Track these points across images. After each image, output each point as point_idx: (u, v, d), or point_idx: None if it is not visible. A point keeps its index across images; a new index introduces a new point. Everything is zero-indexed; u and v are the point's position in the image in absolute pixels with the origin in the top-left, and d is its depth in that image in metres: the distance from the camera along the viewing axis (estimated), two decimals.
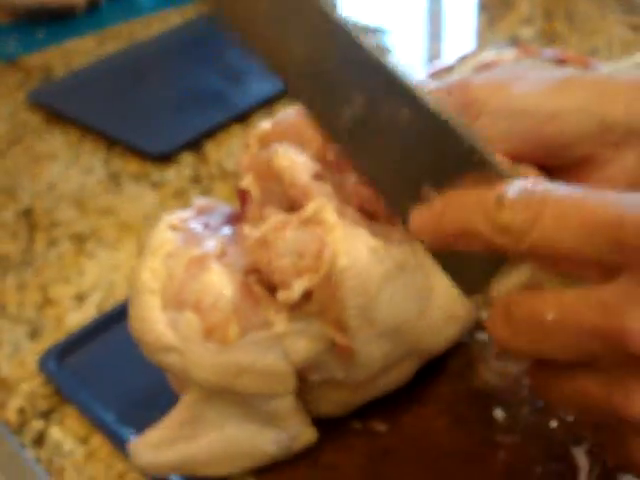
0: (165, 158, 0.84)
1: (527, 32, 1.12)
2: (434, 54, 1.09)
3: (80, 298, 0.65)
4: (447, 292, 0.40)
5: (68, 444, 0.52)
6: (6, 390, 0.57)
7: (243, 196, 0.41)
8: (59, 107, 0.97)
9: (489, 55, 0.97)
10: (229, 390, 0.38)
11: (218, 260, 0.38)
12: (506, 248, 0.29)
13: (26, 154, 0.90)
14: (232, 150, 0.86)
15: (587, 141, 0.38)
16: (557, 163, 0.39)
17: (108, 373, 0.57)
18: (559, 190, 0.28)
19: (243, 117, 0.92)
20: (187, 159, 0.85)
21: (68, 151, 0.89)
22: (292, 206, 0.39)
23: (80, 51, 1.19)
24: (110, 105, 0.98)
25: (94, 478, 0.50)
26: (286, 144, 0.41)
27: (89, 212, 0.77)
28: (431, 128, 0.32)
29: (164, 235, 0.40)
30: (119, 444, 0.50)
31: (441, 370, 0.49)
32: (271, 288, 0.37)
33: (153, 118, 0.94)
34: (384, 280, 0.36)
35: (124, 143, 0.88)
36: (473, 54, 0.98)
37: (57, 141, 0.92)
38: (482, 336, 0.52)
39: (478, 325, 0.47)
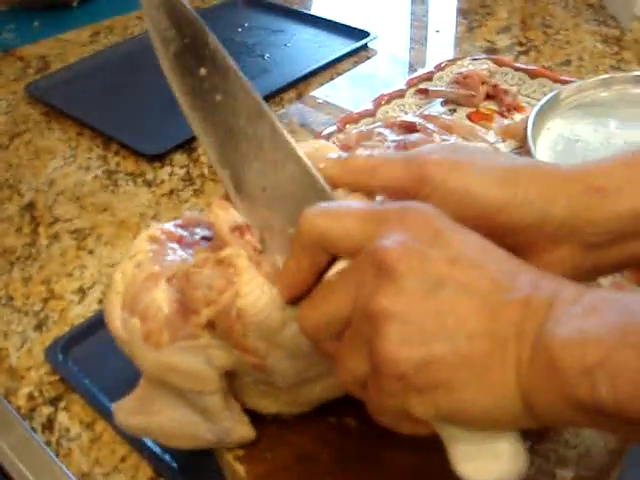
0: (158, 158, 0.90)
1: (504, 40, 1.17)
2: (416, 60, 1.15)
3: (82, 292, 0.71)
4: None
5: (75, 429, 0.58)
6: (16, 378, 0.63)
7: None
8: (56, 102, 1.02)
9: (464, 64, 1.03)
10: (166, 382, 0.45)
11: (167, 281, 0.46)
12: None
13: (27, 148, 0.95)
14: None
15: (529, 231, 0.41)
16: (503, 246, 0.39)
17: (110, 363, 0.62)
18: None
19: None
20: (179, 159, 0.90)
21: (66, 147, 0.94)
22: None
23: (75, 43, 1.23)
24: (104, 101, 1.03)
25: (99, 460, 0.56)
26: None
27: (88, 209, 0.83)
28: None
29: (142, 244, 0.48)
30: (120, 429, 0.56)
31: None
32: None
33: (146, 118, 0.99)
34: (283, 322, 0.42)
35: (119, 142, 0.93)
36: (450, 62, 1.04)
37: (56, 136, 0.97)
38: None
39: None
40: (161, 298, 0.45)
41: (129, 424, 0.49)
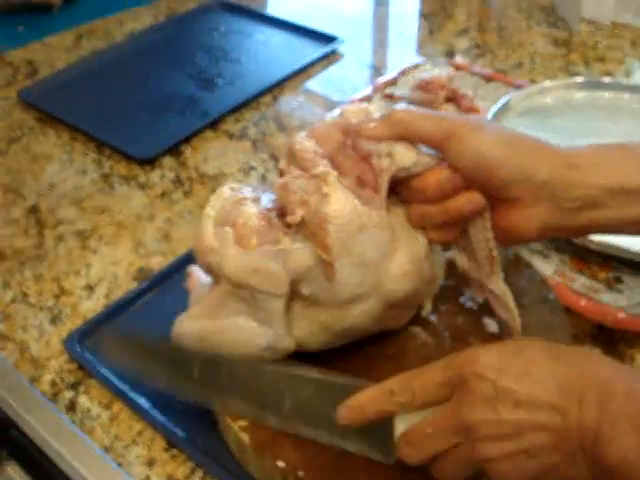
0: (149, 161, 0.98)
1: (462, 43, 1.27)
2: (381, 63, 1.24)
3: (90, 288, 0.80)
4: (406, 256, 0.58)
5: (95, 409, 0.67)
6: (38, 367, 0.72)
7: (281, 172, 0.60)
8: (49, 108, 1.10)
9: (426, 69, 1.12)
10: (244, 285, 0.55)
11: (253, 202, 0.58)
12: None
13: (25, 154, 1.02)
14: (207, 155, 1.00)
15: (516, 188, 0.54)
16: (494, 196, 0.55)
17: None
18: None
19: (214, 122, 1.06)
20: (168, 163, 0.99)
21: (62, 152, 1.02)
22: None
23: (60, 47, 1.30)
24: (94, 106, 1.11)
25: (118, 435, 0.65)
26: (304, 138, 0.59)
27: (87, 211, 0.91)
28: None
29: (224, 190, 0.60)
30: (135, 408, 0.66)
31: None
32: (284, 220, 0.57)
33: (134, 122, 1.07)
34: (360, 227, 0.54)
35: (111, 146, 1.01)
36: (413, 68, 1.14)
37: (51, 141, 1.05)
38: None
39: None
40: (250, 211, 0.57)
41: (192, 329, 0.59)
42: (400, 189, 0.58)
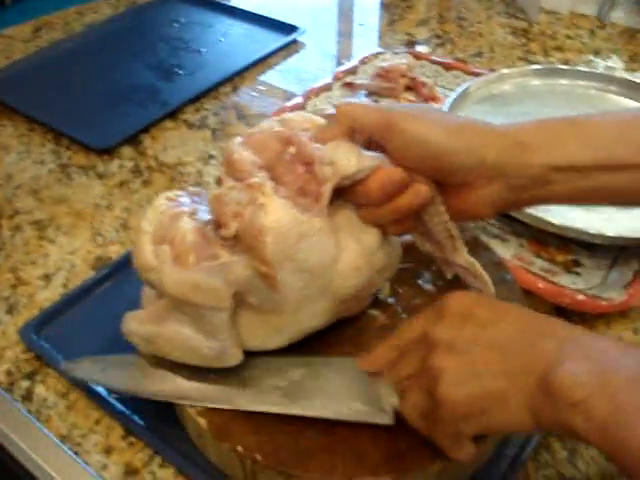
0: (107, 151, 0.97)
1: (422, 33, 1.28)
2: (342, 53, 1.24)
3: (47, 278, 0.79)
4: (357, 252, 0.57)
5: (51, 398, 0.66)
6: None
7: (219, 181, 0.59)
8: (6, 99, 1.08)
9: (386, 58, 1.12)
10: (186, 302, 0.54)
11: (189, 216, 0.57)
12: None
13: None
14: (167, 144, 0.99)
15: (467, 173, 0.54)
16: (446, 182, 0.55)
17: (77, 340, 0.71)
18: None
19: (174, 112, 1.05)
20: (127, 153, 0.98)
21: (19, 143, 1.01)
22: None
23: (18, 39, 1.29)
24: (52, 97, 1.10)
25: (76, 424, 0.64)
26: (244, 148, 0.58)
27: (45, 201, 0.90)
28: None
29: (161, 201, 0.59)
30: (92, 396, 0.65)
31: None
32: (219, 233, 0.56)
33: (93, 112, 1.06)
34: (300, 236, 0.53)
35: (69, 136, 1.00)
36: (373, 57, 1.14)
37: (8, 132, 1.03)
38: None
39: None
40: (186, 227, 0.55)
41: (138, 331, 0.59)
42: (345, 195, 0.57)
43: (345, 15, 1.37)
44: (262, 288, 0.54)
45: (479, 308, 0.50)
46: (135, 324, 0.59)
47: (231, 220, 0.53)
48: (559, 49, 1.23)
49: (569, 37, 1.27)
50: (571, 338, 0.47)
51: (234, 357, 0.58)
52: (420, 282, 0.68)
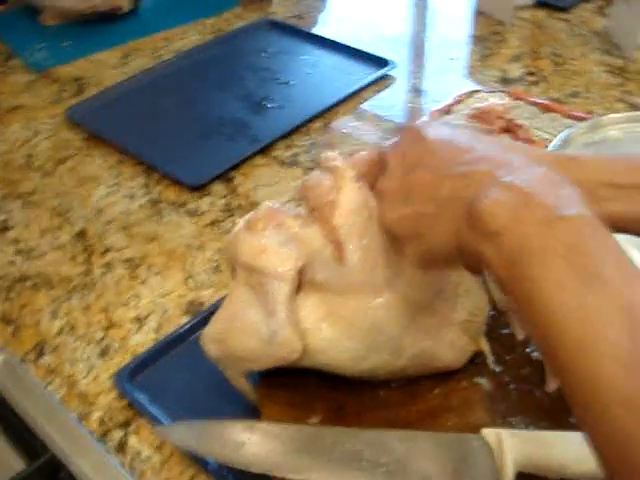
0: (198, 188, 0.96)
1: (515, 69, 1.24)
2: (432, 88, 1.21)
3: (139, 321, 0.78)
4: None
5: (145, 451, 0.65)
6: (87, 403, 0.70)
7: None
8: (96, 128, 1.09)
9: (481, 97, 1.09)
10: (253, 267, 0.58)
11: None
12: None
13: (71, 175, 1.01)
14: (258, 182, 0.98)
15: None
16: None
17: (173, 389, 0.70)
18: None
19: (265, 148, 1.04)
20: (218, 190, 0.97)
21: (109, 175, 1.01)
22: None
23: (106, 64, 1.29)
24: (142, 128, 1.10)
25: None
26: None
27: (136, 238, 0.89)
28: None
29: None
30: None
31: None
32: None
33: (183, 145, 1.05)
34: (370, 217, 0.57)
35: (161, 170, 1.00)
36: (466, 95, 1.11)
37: (97, 163, 1.03)
38: None
39: None
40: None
41: (212, 333, 0.61)
42: None
43: (433, 48, 1.34)
44: (330, 263, 0.57)
45: (438, 129, 0.53)
46: (208, 327, 0.61)
47: (309, 194, 0.59)
48: None
49: None
50: (510, 162, 0.46)
51: (289, 341, 0.57)
52: (528, 350, 0.65)
